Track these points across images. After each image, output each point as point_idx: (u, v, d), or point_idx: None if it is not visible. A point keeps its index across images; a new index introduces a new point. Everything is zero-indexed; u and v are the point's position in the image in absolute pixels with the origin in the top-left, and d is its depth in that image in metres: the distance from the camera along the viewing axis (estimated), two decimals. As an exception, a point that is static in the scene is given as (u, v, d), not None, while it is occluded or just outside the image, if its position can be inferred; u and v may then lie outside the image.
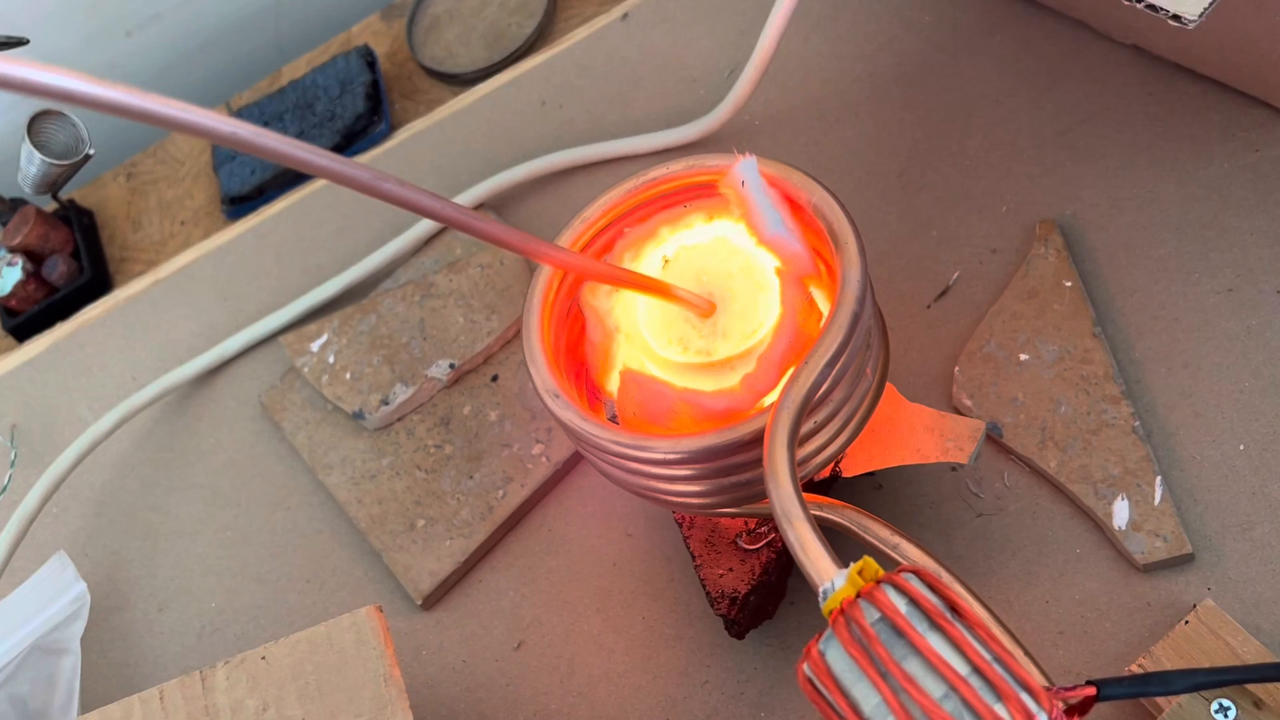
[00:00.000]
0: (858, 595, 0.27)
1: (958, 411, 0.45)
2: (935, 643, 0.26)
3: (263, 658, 0.41)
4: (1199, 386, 0.44)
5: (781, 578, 0.42)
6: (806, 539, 0.29)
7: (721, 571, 0.40)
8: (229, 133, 0.26)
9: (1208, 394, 0.44)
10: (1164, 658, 0.38)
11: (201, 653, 0.51)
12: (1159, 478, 0.42)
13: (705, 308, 0.36)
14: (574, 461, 0.50)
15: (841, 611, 0.27)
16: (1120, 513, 0.42)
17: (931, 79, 0.54)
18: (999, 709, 0.25)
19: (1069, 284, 0.47)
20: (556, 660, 0.46)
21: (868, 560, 0.28)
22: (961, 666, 0.25)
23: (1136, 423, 0.43)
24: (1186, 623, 0.38)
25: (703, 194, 0.39)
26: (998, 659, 0.26)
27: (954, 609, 0.27)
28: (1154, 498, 0.42)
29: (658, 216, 0.39)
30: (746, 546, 0.40)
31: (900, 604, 0.26)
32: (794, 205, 0.36)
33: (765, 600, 0.42)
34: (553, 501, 0.50)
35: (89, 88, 0.23)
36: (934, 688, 0.25)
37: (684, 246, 0.39)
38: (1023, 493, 0.44)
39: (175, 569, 0.53)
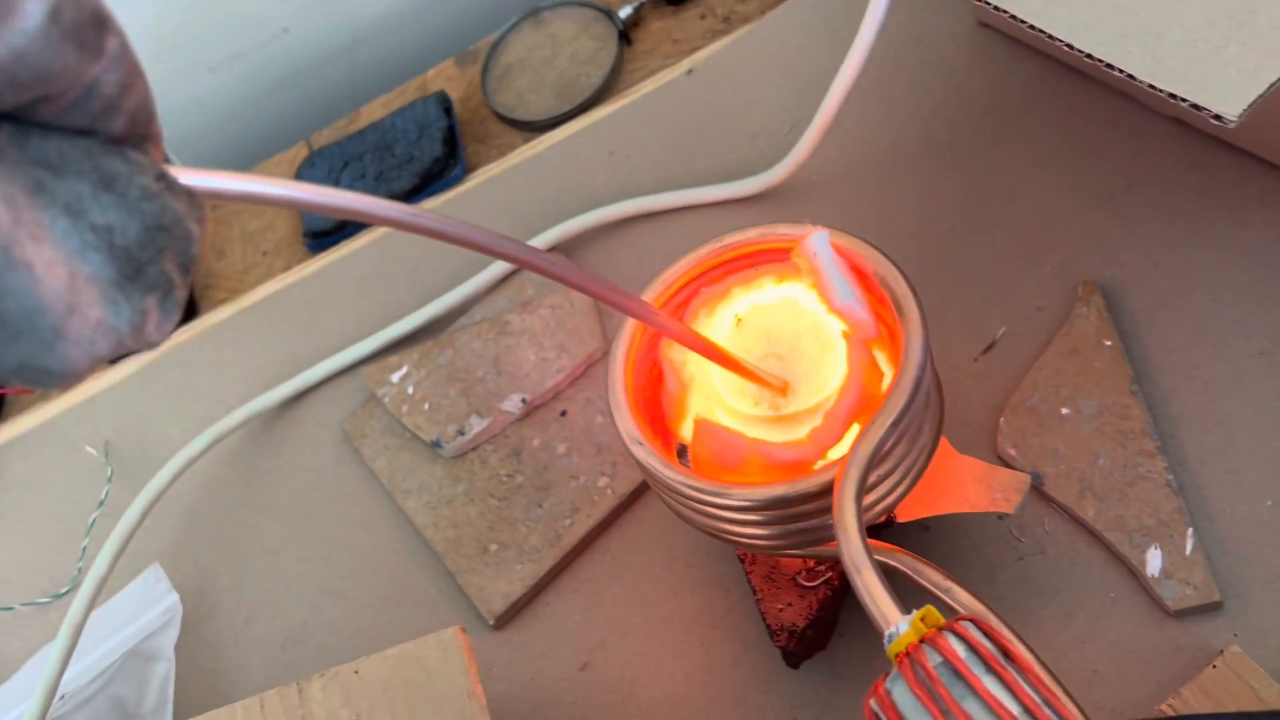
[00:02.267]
0: (921, 640, 0.30)
1: (1002, 460, 0.49)
2: (991, 686, 0.29)
3: (355, 671, 0.45)
4: (1230, 444, 0.47)
5: (835, 612, 0.45)
6: (874, 586, 0.32)
7: (781, 606, 0.43)
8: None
9: (1239, 452, 0.46)
10: (1192, 699, 0.41)
11: (285, 663, 0.54)
12: (1190, 529, 0.45)
13: (780, 387, 0.39)
14: (637, 494, 0.54)
15: (907, 654, 0.30)
16: (1153, 561, 0.45)
17: (981, 142, 0.57)
18: (1048, 747, 0.28)
19: (1109, 343, 0.50)
20: (619, 681, 0.49)
21: (930, 609, 0.31)
22: (1014, 708, 0.29)
23: (1170, 477, 0.46)
24: (1214, 667, 0.41)
25: (774, 259, 0.42)
26: (1046, 702, 0.29)
27: (1007, 655, 0.30)
28: (1185, 547, 0.45)
29: (731, 277, 0.43)
30: (805, 584, 0.43)
31: (960, 649, 0.30)
32: (860, 274, 0.40)
33: (820, 633, 0.45)
34: (617, 531, 0.53)
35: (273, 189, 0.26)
36: (990, 726, 0.28)
37: (755, 306, 0.42)
38: (1062, 539, 0.47)
39: (260, 583, 0.57)
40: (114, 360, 0.21)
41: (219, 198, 0.24)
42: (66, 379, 0.20)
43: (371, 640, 0.54)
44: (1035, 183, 0.55)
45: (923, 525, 0.48)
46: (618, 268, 0.60)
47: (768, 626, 0.44)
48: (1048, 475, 0.48)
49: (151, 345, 0.22)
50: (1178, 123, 0.54)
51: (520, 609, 0.52)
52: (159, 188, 0.21)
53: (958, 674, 0.29)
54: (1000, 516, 0.47)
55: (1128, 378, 0.49)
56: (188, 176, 0.23)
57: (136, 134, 0.22)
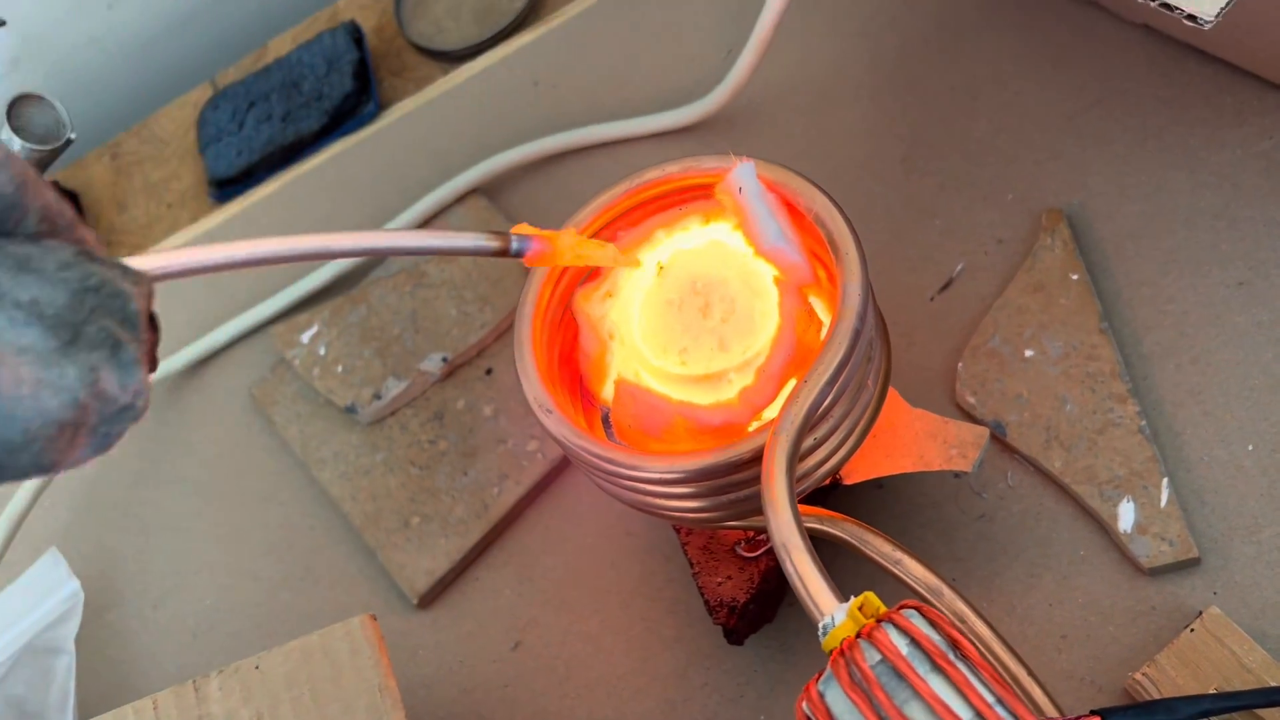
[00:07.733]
0: (858, 635, 0.26)
1: (961, 409, 0.45)
2: (937, 686, 0.25)
3: (256, 666, 0.41)
4: (1208, 384, 0.43)
5: (781, 583, 0.41)
6: (806, 571, 0.28)
7: (720, 579, 0.39)
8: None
9: (1216, 392, 0.43)
10: (1169, 666, 0.37)
11: (197, 651, 0.50)
12: (1165, 479, 0.41)
13: (630, 263, 0.35)
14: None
15: (841, 653, 0.26)
16: (1125, 515, 0.41)
17: (935, 59, 0.52)
18: (1003, 757, 0.24)
19: (1075, 277, 0.45)
20: (554, 661, 0.46)
21: (869, 596, 0.27)
22: (963, 711, 0.25)
23: (1143, 422, 0.42)
24: (1192, 630, 0.38)
25: (699, 195, 0.38)
26: (1000, 701, 0.25)
27: (956, 647, 0.26)
28: (1160, 499, 0.41)
29: (652, 219, 0.38)
30: (745, 554, 0.40)
31: (901, 645, 0.26)
32: (793, 211, 0.35)
33: (765, 606, 0.41)
34: (549, 499, 0.49)
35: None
36: (936, 736, 0.24)
37: (679, 251, 0.38)
38: (1026, 493, 0.43)
39: (168, 565, 0.53)
40: (112, 429, 0.23)
41: (165, 277, 0.28)
42: (44, 452, 0.21)
43: (288, 625, 0.50)
44: (994, 103, 0.51)
45: (876, 483, 0.44)
46: (545, 210, 0.55)
47: (706, 603, 0.40)
48: (1010, 424, 0.44)
49: (125, 404, 0.23)
50: (1147, 30, 0.49)
51: (446, 586, 0.48)
52: (77, 259, 0.23)
53: (898, 674, 0.25)
54: (957, 474, 0.43)
55: (1096, 314, 0.45)
56: (135, 261, 0.25)
57: (57, 226, 0.23)
